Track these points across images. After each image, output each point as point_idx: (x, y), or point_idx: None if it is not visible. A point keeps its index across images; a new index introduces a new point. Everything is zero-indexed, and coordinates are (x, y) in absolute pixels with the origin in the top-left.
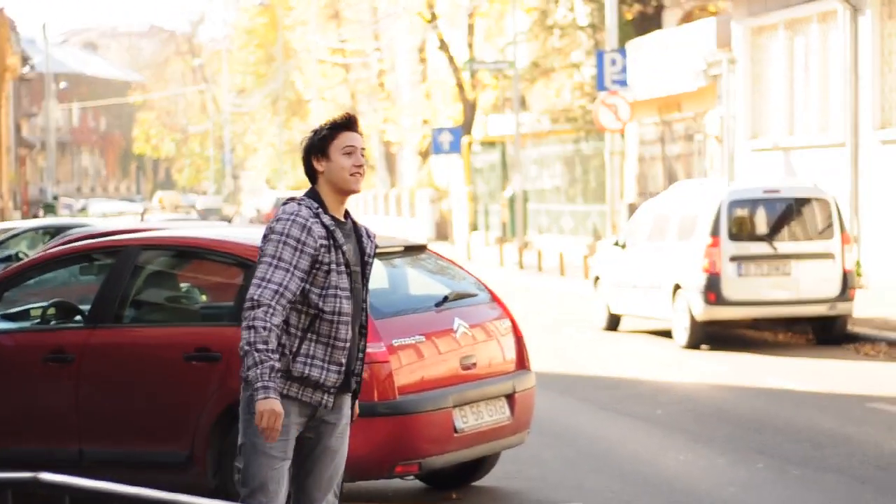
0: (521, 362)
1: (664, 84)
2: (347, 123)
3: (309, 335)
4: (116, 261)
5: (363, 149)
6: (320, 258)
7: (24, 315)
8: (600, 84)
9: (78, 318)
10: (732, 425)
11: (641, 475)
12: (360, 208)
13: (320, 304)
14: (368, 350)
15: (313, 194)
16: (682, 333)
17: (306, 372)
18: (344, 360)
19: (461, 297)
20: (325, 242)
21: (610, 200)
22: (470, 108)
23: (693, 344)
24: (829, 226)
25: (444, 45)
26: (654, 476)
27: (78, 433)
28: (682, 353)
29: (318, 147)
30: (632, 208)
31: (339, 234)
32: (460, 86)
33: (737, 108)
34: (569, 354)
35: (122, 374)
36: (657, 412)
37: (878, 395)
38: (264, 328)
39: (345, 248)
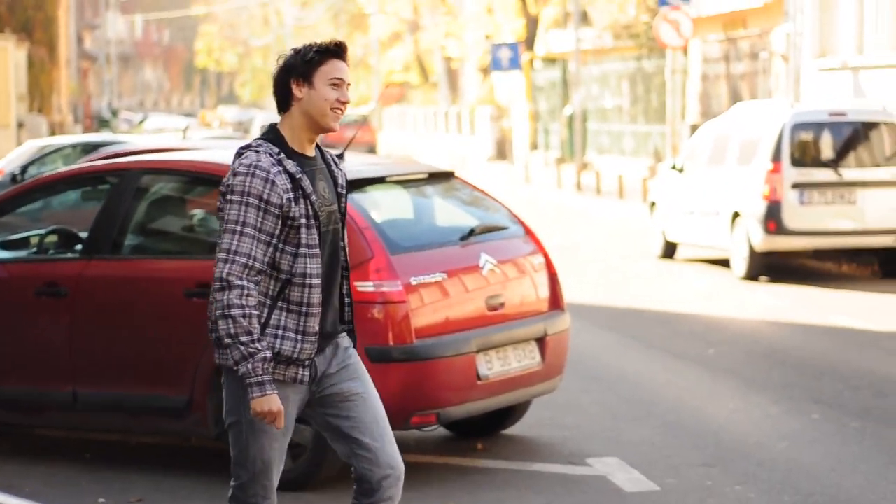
0: (555, 302)
1: None
2: (338, 51)
3: (279, 304)
4: (116, 186)
5: (349, 84)
6: (291, 213)
7: (22, 243)
8: None
9: (79, 247)
10: (788, 369)
11: (685, 426)
12: (421, 125)
13: (291, 267)
14: (383, 289)
15: (274, 133)
16: (740, 264)
17: (277, 345)
18: (317, 328)
19: (490, 230)
20: (290, 195)
21: (670, 121)
22: (532, 23)
23: (751, 275)
24: None
25: None
26: (699, 427)
27: (72, 374)
28: (739, 285)
29: (301, 70)
30: (694, 129)
31: (305, 182)
32: None
33: (804, 25)
34: (620, 285)
35: (117, 310)
36: (709, 352)
37: None
38: (243, 315)
39: (314, 196)
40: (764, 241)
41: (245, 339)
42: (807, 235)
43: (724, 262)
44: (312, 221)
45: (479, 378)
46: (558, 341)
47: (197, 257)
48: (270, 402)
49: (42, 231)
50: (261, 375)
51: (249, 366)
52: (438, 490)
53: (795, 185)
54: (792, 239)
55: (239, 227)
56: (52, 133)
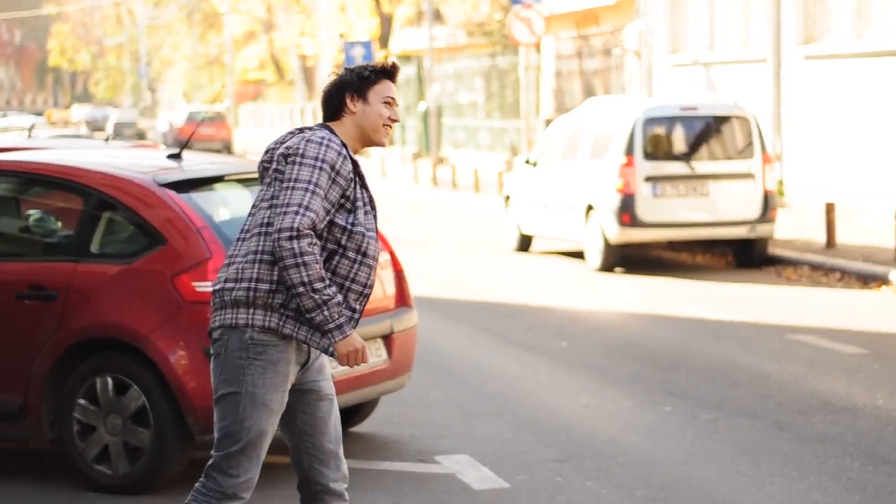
0: (402, 299)
1: None
2: (392, 73)
3: (329, 263)
4: None
5: (397, 104)
6: (348, 192)
7: None
8: None
9: None
10: (642, 361)
11: (537, 421)
12: (277, 123)
13: (343, 239)
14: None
15: (330, 130)
16: (595, 256)
17: None
18: (359, 307)
19: None
20: (352, 177)
21: (525, 116)
22: (386, 22)
23: (606, 267)
24: (750, 144)
25: None
26: (551, 422)
27: None
28: (594, 277)
29: (357, 86)
30: (549, 124)
31: (362, 171)
32: None
33: (656, 22)
34: (474, 278)
35: None
36: (562, 345)
37: (798, 325)
38: (315, 262)
39: (368, 187)
40: (618, 234)
41: (319, 285)
42: (661, 227)
43: (580, 255)
44: (370, 208)
45: None
46: (405, 338)
47: (29, 259)
48: (354, 341)
49: None
50: (337, 319)
51: (326, 312)
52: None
53: (649, 179)
54: (646, 231)
55: (311, 187)
56: None
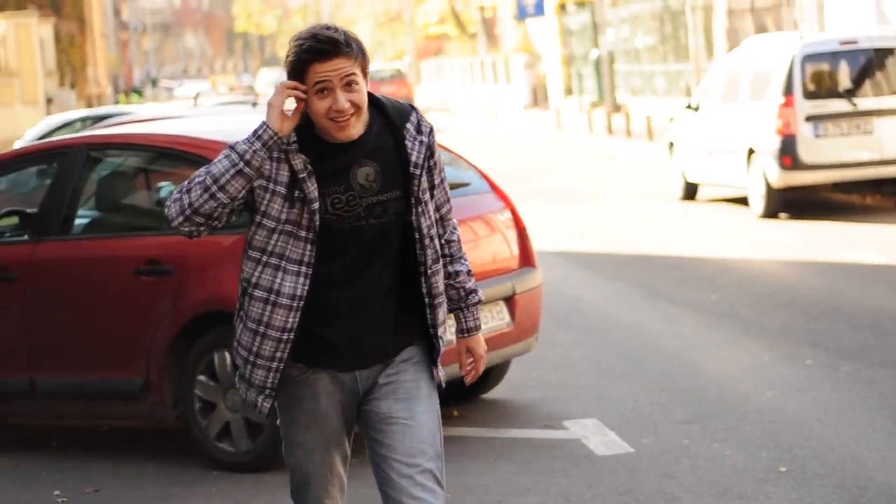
0: (525, 259)
1: None
2: (316, 51)
3: (240, 313)
4: (61, 164)
5: (351, 74)
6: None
7: None
8: None
9: None
10: (791, 311)
11: (673, 380)
12: (458, 77)
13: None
14: None
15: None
16: (758, 202)
17: (237, 360)
18: (281, 355)
19: (451, 187)
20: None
21: (694, 59)
22: None
23: (770, 213)
24: None
25: None
26: (686, 380)
27: (28, 362)
28: (757, 224)
29: (292, 76)
30: None
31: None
32: None
33: None
34: (634, 229)
35: (68, 293)
36: (712, 298)
37: None
38: (191, 180)
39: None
40: (780, 178)
41: (208, 168)
42: (824, 169)
43: (745, 201)
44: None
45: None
46: (529, 299)
47: (146, 234)
48: (268, 117)
49: None
50: (244, 143)
51: (234, 155)
52: None
53: (809, 118)
54: (808, 173)
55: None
56: (90, 106)
